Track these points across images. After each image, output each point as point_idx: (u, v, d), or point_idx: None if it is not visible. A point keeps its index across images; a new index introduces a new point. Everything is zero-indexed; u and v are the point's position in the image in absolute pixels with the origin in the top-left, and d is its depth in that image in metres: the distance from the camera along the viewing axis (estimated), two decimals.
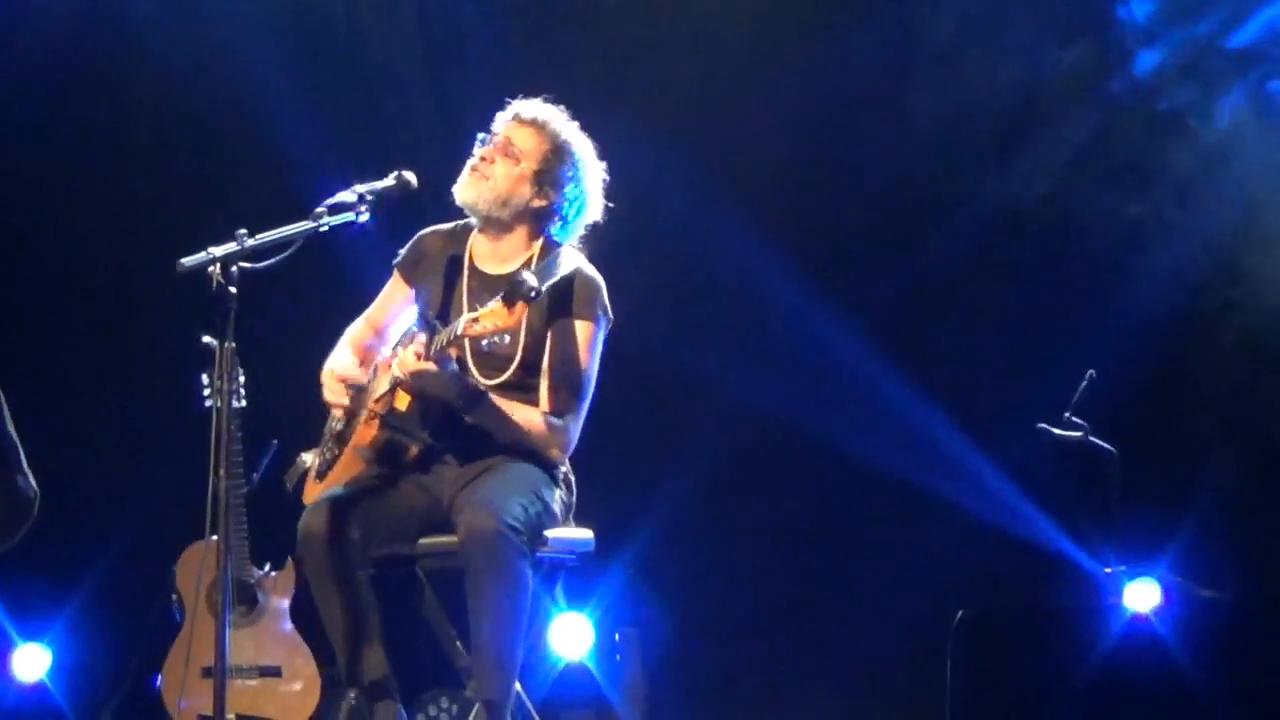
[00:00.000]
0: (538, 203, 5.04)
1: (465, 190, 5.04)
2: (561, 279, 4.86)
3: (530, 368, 4.97)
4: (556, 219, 5.07)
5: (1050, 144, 6.98)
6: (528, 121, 5.06)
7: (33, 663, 6.54)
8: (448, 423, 4.92)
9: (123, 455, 6.94)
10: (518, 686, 4.86)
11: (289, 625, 6.09)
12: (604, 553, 5.38)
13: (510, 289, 4.58)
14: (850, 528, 6.95)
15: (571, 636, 6.36)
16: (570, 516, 5.08)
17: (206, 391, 5.86)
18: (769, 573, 7.01)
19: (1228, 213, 6.86)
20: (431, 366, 4.75)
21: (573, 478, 5.10)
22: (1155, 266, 6.85)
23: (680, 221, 6.90)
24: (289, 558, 6.00)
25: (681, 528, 6.82)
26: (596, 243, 5.17)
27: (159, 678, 6.08)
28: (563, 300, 4.94)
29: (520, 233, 5.07)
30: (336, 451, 5.07)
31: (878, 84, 6.99)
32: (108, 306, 7.04)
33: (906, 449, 6.76)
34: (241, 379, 5.76)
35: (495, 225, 5.05)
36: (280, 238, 4.48)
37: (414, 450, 4.96)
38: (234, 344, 4.35)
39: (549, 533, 4.93)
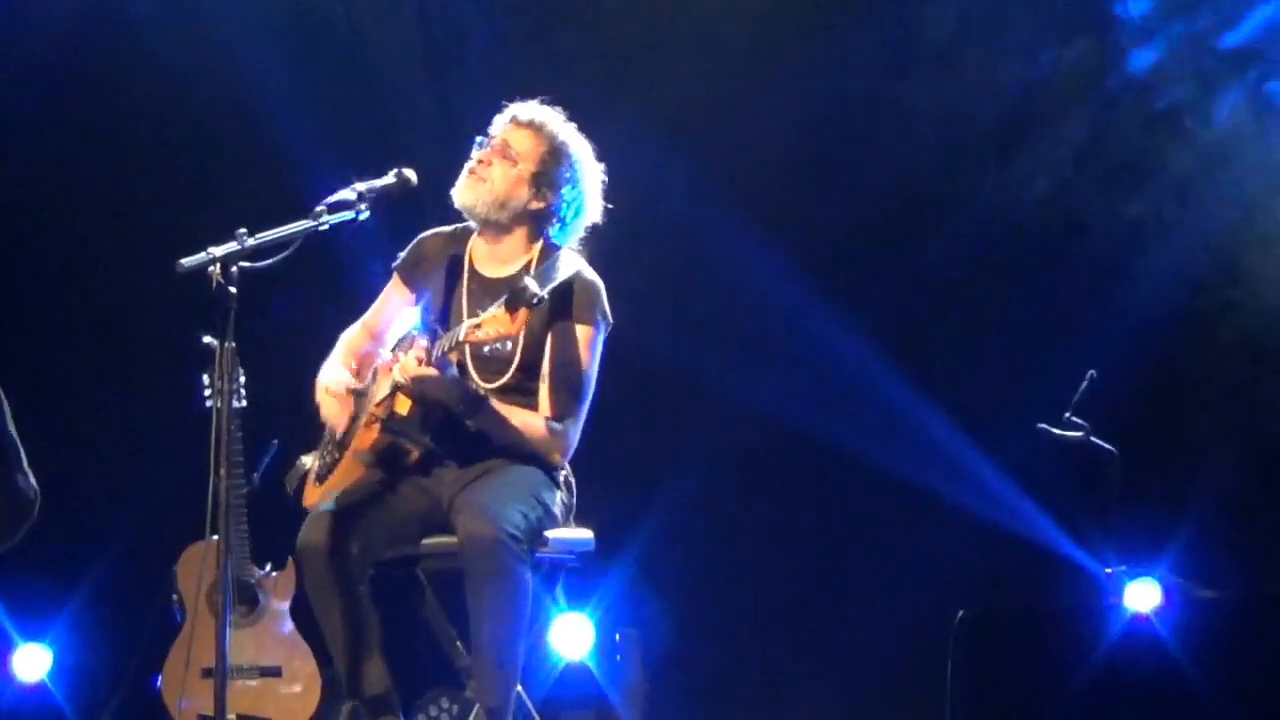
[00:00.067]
0: (536, 205, 5.03)
1: (463, 193, 5.04)
2: (562, 283, 4.86)
3: (529, 371, 4.96)
4: (555, 221, 5.07)
5: (1050, 143, 6.98)
6: (525, 124, 5.06)
7: (33, 663, 6.54)
8: (448, 427, 4.92)
9: (123, 455, 6.93)
10: (518, 687, 4.86)
11: (289, 625, 6.09)
12: (604, 553, 5.38)
13: (513, 295, 4.57)
14: (850, 528, 6.95)
15: (572, 636, 6.36)
16: (570, 518, 5.07)
17: (207, 391, 5.86)
18: (769, 573, 7.01)
19: (1227, 212, 6.86)
20: (433, 372, 4.74)
21: (573, 479, 5.10)
22: (1155, 266, 6.85)
23: (680, 221, 6.90)
24: (289, 558, 6.00)
25: (681, 528, 6.82)
26: (596, 243, 5.17)
27: (159, 678, 6.08)
28: (563, 304, 4.93)
29: (519, 235, 5.06)
30: (337, 455, 5.06)
31: (877, 84, 6.99)
32: (108, 306, 7.03)
33: (906, 449, 6.77)
34: (241, 379, 5.76)
35: (494, 228, 5.05)
36: (280, 237, 4.47)
37: (414, 455, 4.96)
38: (234, 344, 4.35)
39: (549, 533, 4.93)
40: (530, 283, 4.60)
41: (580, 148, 5.09)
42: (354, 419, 5.03)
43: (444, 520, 4.91)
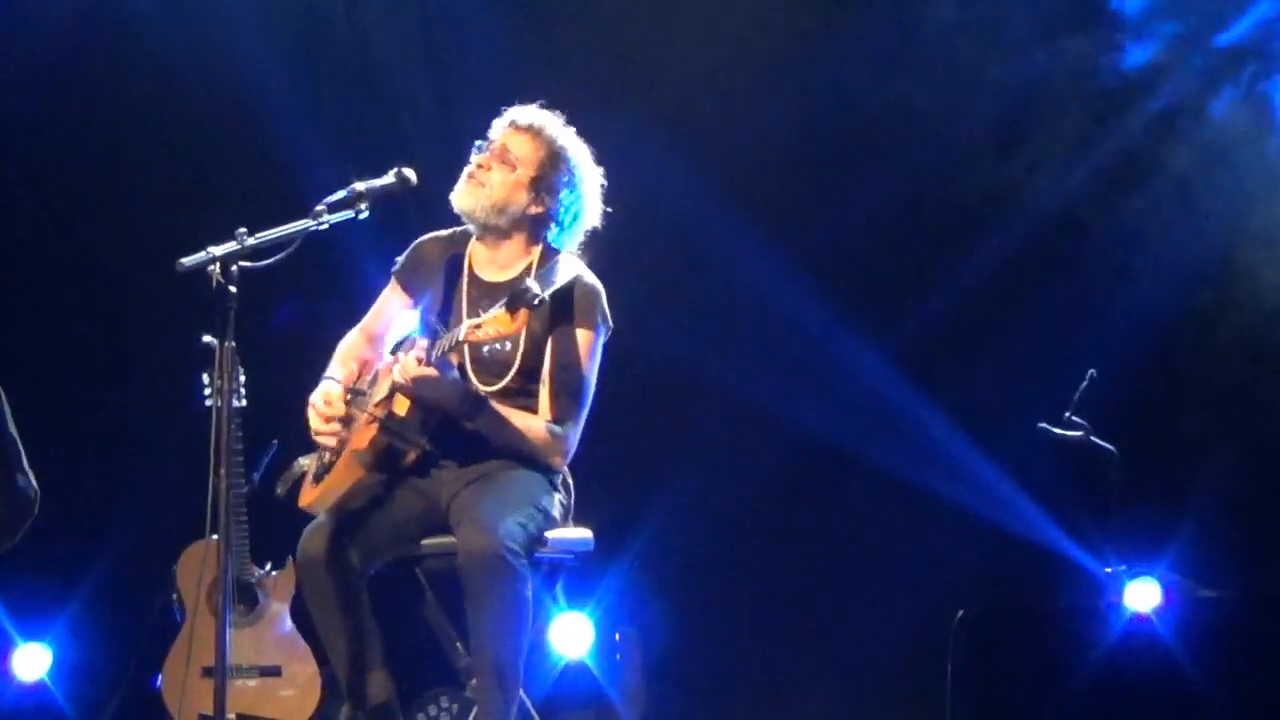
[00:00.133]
0: (535, 209, 5.03)
1: (462, 198, 5.03)
2: (562, 287, 4.85)
3: (530, 374, 4.96)
4: (554, 225, 5.06)
5: (1048, 142, 6.99)
6: (524, 128, 5.05)
7: (33, 662, 6.53)
8: (447, 429, 4.90)
9: (123, 455, 6.93)
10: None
11: (289, 625, 6.09)
12: (604, 553, 5.38)
13: (513, 296, 4.57)
14: (850, 527, 6.96)
15: (571, 636, 6.36)
16: (569, 518, 5.07)
17: (207, 391, 5.86)
18: (769, 573, 7.01)
19: (1225, 211, 6.86)
20: (432, 372, 4.73)
21: (570, 479, 5.10)
22: (1155, 266, 6.86)
23: (680, 221, 6.90)
24: (289, 558, 6.00)
25: (681, 528, 6.83)
26: (596, 244, 5.17)
27: (159, 677, 6.08)
28: (563, 307, 4.93)
29: (518, 240, 5.06)
30: (334, 456, 5.06)
31: (876, 84, 6.99)
32: (108, 306, 7.03)
33: (906, 449, 6.77)
34: (242, 379, 5.76)
35: (493, 233, 5.04)
36: (280, 236, 4.47)
37: (412, 456, 4.94)
38: (234, 344, 4.35)
39: (549, 533, 4.92)
40: (532, 283, 4.60)
41: (579, 152, 5.08)
42: (352, 419, 5.02)
43: (442, 521, 4.90)
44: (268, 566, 6.14)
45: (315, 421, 4.94)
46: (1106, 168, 6.97)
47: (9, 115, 6.88)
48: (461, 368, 4.90)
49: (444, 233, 5.17)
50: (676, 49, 7.03)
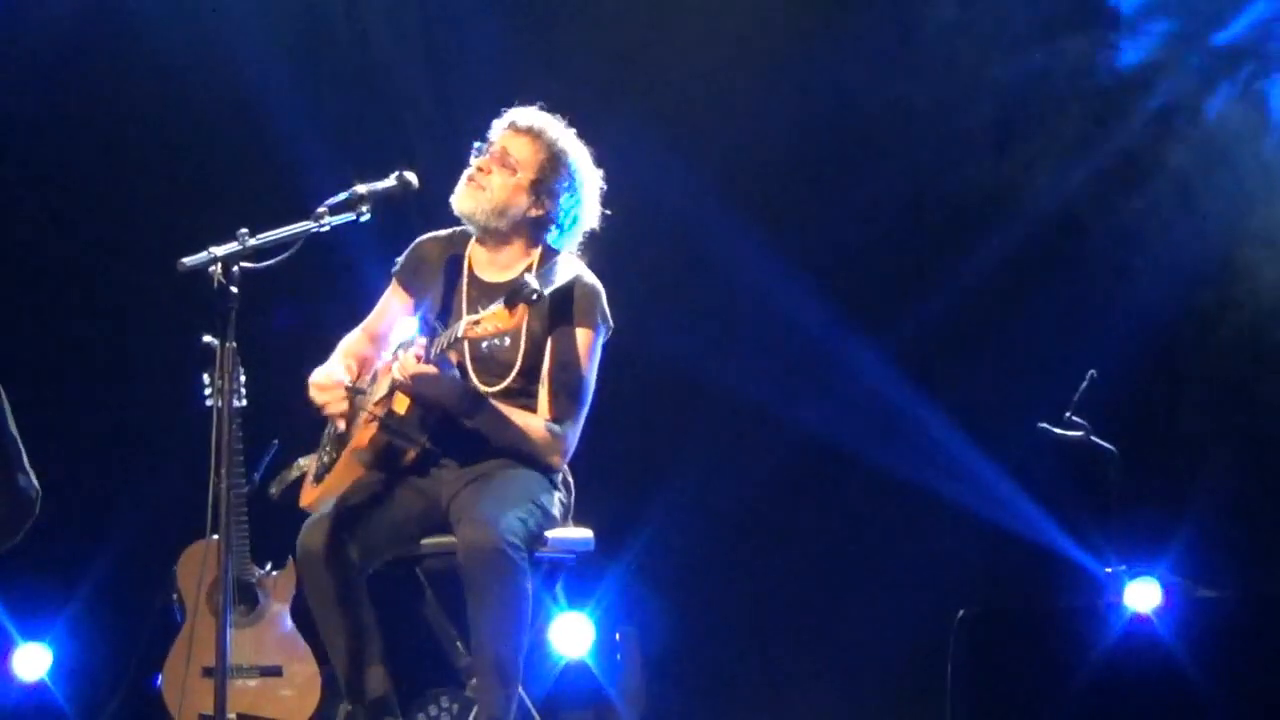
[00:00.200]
0: (535, 212, 5.03)
1: (462, 200, 5.03)
2: (562, 286, 4.86)
3: (531, 374, 4.96)
4: (553, 228, 5.06)
5: (1047, 141, 6.99)
6: (524, 130, 5.04)
7: (33, 662, 6.53)
8: (446, 427, 4.91)
9: (123, 455, 6.93)
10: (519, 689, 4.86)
11: (289, 625, 6.09)
12: (604, 553, 5.39)
13: (512, 291, 4.58)
14: (850, 527, 6.96)
15: (571, 636, 6.36)
16: (569, 517, 5.08)
17: (207, 391, 5.85)
18: (769, 573, 7.01)
19: (1225, 211, 6.86)
20: (432, 370, 4.74)
21: (570, 478, 5.10)
22: (1155, 266, 6.86)
23: (680, 221, 6.90)
24: (289, 558, 5.99)
25: (681, 528, 6.83)
26: (596, 244, 5.17)
27: (159, 677, 6.08)
28: (563, 307, 4.93)
29: (518, 242, 5.06)
30: (334, 455, 5.06)
31: (876, 84, 6.99)
32: (108, 306, 7.03)
33: (906, 449, 6.77)
34: (242, 379, 5.76)
35: (493, 235, 5.04)
36: (282, 238, 4.47)
37: (412, 454, 4.94)
38: (234, 344, 4.35)
39: (549, 533, 4.93)
40: (530, 279, 4.62)
41: (579, 154, 5.08)
42: (352, 418, 5.03)
43: (443, 520, 4.91)
44: (268, 566, 6.14)
45: (319, 395, 4.93)
46: (1106, 167, 6.97)
47: (9, 115, 6.88)
48: (462, 367, 4.91)
49: (443, 233, 5.18)
50: (676, 49, 7.03)
